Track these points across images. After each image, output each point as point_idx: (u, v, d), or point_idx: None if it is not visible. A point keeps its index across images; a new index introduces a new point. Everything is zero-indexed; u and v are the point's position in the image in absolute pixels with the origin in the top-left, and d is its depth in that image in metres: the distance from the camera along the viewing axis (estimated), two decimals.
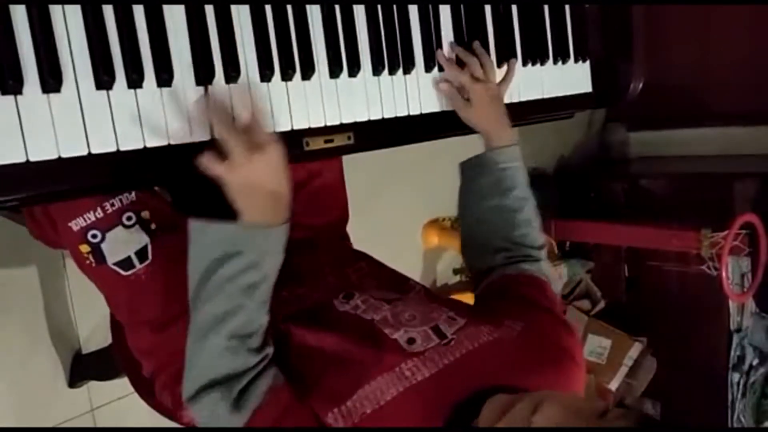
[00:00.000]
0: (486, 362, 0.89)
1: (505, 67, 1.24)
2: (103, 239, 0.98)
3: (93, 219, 0.96)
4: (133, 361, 1.14)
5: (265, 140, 0.86)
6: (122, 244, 0.99)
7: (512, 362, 0.89)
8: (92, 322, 1.74)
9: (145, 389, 1.19)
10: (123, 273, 1.00)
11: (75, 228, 0.97)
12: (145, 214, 1.00)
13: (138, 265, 1.00)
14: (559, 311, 1.06)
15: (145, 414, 1.25)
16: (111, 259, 0.99)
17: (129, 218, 0.98)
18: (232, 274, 0.84)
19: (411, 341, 0.91)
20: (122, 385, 1.55)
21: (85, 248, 0.98)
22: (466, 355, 0.89)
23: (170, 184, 1.17)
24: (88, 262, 0.99)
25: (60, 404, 1.71)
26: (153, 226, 1.01)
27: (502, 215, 1.12)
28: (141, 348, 1.07)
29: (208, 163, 0.84)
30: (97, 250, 0.98)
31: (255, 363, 0.85)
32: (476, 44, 1.19)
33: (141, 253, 1.00)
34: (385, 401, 0.83)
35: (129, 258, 0.99)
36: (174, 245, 1.00)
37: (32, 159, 0.76)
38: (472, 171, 1.15)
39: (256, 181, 0.85)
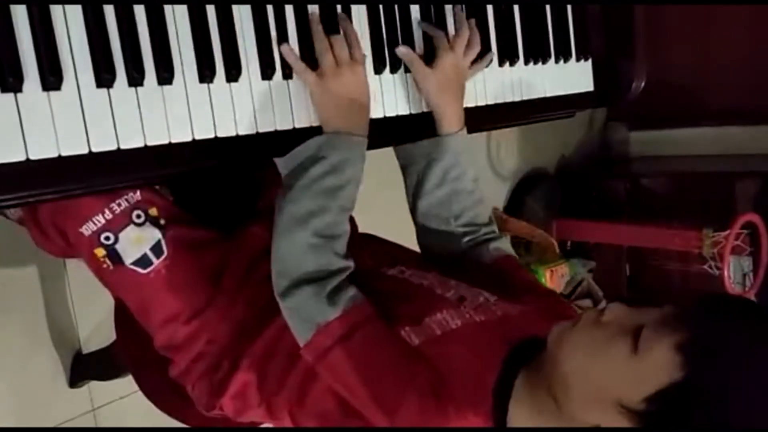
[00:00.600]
0: (534, 323, 0.93)
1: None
2: (116, 240, 0.98)
3: (103, 221, 0.96)
4: (140, 360, 1.14)
5: (356, 58, 0.97)
6: (136, 242, 0.99)
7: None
8: (93, 322, 1.74)
9: (152, 388, 1.19)
10: (142, 272, 1.00)
11: (87, 233, 0.97)
12: (153, 210, 1.00)
13: (155, 261, 1.00)
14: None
15: (145, 414, 1.25)
16: (128, 259, 0.99)
17: (138, 216, 0.98)
18: (316, 177, 0.90)
19: (462, 299, 0.97)
20: (123, 384, 1.55)
21: (100, 252, 0.98)
22: (513, 316, 0.95)
23: (172, 182, 1.17)
24: (105, 266, 0.99)
25: (60, 404, 1.71)
26: (162, 222, 1.01)
27: (460, 199, 1.12)
28: (175, 343, 1.06)
29: (300, 70, 0.95)
30: (112, 252, 0.98)
31: (340, 267, 0.91)
32: (471, 22, 1.17)
33: (156, 249, 1.00)
34: (450, 329, 0.89)
35: (145, 255, 0.99)
36: (186, 235, 1.02)
37: (32, 157, 0.75)
38: (426, 157, 1.12)
39: (342, 93, 0.95)
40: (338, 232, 0.92)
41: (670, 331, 0.71)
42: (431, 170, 1.11)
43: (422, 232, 1.16)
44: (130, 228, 0.98)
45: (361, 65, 0.98)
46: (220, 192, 1.24)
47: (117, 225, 0.97)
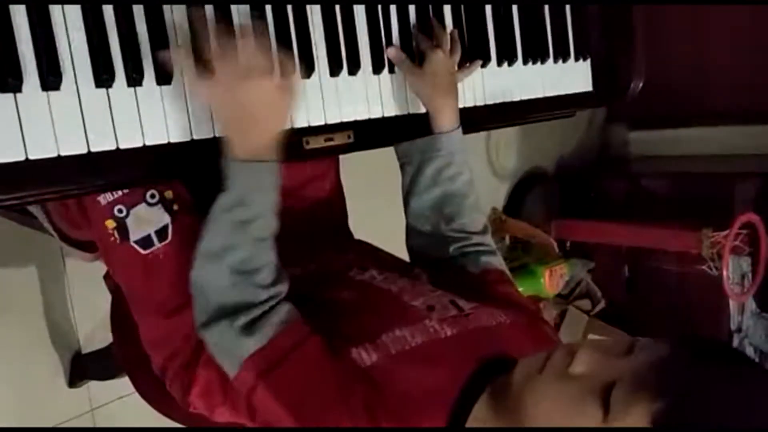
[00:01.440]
0: (508, 339, 0.89)
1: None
2: (127, 215, 0.98)
3: (120, 194, 0.97)
4: (135, 361, 1.14)
5: (260, 67, 0.84)
6: (144, 222, 0.99)
7: (529, 345, 0.88)
8: (92, 322, 1.74)
9: (147, 389, 1.19)
10: (141, 251, 1.00)
11: (103, 202, 0.97)
12: (169, 194, 1.00)
13: (157, 244, 1.00)
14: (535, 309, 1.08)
15: (145, 414, 1.25)
16: (133, 236, 0.99)
17: (152, 196, 0.99)
18: (223, 209, 0.85)
19: (431, 308, 0.92)
20: (122, 385, 1.54)
21: (111, 224, 0.98)
22: (487, 328, 0.90)
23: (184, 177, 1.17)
24: (112, 239, 0.99)
25: (60, 404, 1.71)
26: (175, 207, 1.01)
27: (453, 201, 1.11)
28: (154, 337, 1.06)
29: (190, 82, 0.84)
30: (122, 226, 0.99)
31: (265, 298, 0.85)
32: (453, 30, 1.16)
33: (161, 233, 1.00)
34: (409, 347, 0.84)
35: (149, 236, 1.00)
36: (193, 227, 0.98)
37: (32, 157, 0.76)
38: (419, 156, 1.11)
39: (245, 108, 0.84)
40: (256, 265, 0.85)
41: (645, 396, 0.64)
42: (425, 169, 1.10)
43: (412, 233, 1.15)
44: (142, 206, 0.98)
45: (270, 75, 0.85)
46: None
47: (131, 201, 0.98)
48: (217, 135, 0.90)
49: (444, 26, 1.16)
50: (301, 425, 0.78)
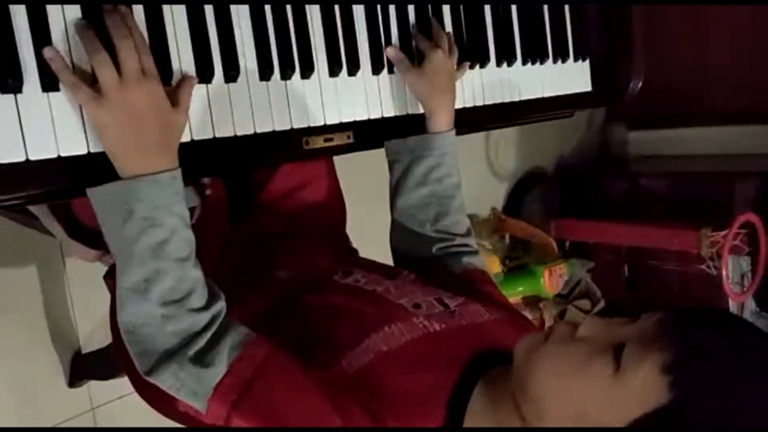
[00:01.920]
0: (495, 334, 0.89)
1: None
2: None
3: None
4: (130, 358, 1.13)
5: (148, 68, 0.76)
6: None
7: (516, 339, 0.88)
8: (92, 322, 1.74)
9: (146, 389, 1.19)
10: None
11: None
12: (206, 179, 0.97)
13: None
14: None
15: (145, 414, 1.25)
16: None
17: None
18: (131, 239, 0.74)
19: (417, 306, 0.92)
20: (122, 384, 1.54)
21: None
22: (473, 325, 0.90)
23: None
24: None
25: (60, 404, 1.71)
26: (208, 192, 0.98)
27: (440, 202, 1.10)
28: None
29: (70, 83, 0.74)
30: None
31: (207, 323, 0.78)
32: (449, 33, 1.16)
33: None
34: (399, 344, 0.83)
35: None
36: (217, 216, 0.96)
37: (32, 158, 0.76)
38: (410, 154, 1.09)
39: (132, 116, 0.74)
40: (186, 289, 0.77)
41: (655, 349, 0.67)
42: (415, 168, 1.09)
43: (396, 231, 1.15)
44: None
45: (155, 77, 0.76)
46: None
47: None
48: (217, 136, 0.90)
49: (443, 27, 1.16)
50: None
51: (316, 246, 1.15)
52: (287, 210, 1.21)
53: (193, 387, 0.76)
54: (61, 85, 0.76)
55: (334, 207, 1.31)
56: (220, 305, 0.80)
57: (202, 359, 0.76)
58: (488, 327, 0.91)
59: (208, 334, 0.77)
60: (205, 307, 0.78)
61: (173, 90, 0.81)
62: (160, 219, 0.75)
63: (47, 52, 0.74)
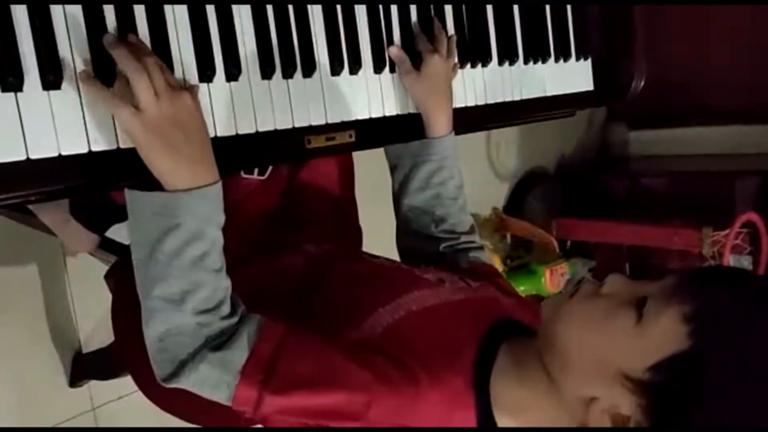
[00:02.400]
0: (513, 313, 0.93)
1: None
2: None
3: None
4: (137, 358, 1.13)
5: (173, 83, 0.77)
6: None
7: (536, 318, 0.90)
8: (93, 322, 1.74)
9: (148, 385, 1.19)
10: None
11: None
12: None
13: None
14: None
15: (145, 413, 1.25)
16: None
17: None
18: (176, 250, 0.76)
19: (442, 281, 0.96)
20: (123, 384, 1.55)
21: None
22: (494, 299, 0.95)
23: None
24: None
25: (61, 403, 1.71)
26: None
27: (443, 204, 1.13)
28: None
29: (113, 105, 0.75)
30: None
31: (233, 325, 0.80)
32: (451, 35, 1.16)
33: None
34: (427, 305, 0.87)
35: None
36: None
37: (32, 157, 0.75)
38: (412, 159, 1.12)
39: (179, 127, 0.75)
40: (219, 297, 0.80)
41: (676, 302, 0.70)
42: (417, 172, 1.11)
43: (402, 233, 1.17)
44: None
45: (183, 89, 0.78)
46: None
47: None
48: (219, 135, 0.90)
49: (445, 28, 1.16)
50: (327, 395, 0.77)
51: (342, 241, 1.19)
52: (308, 195, 1.24)
53: (218, 378, 0.78)
54: (86, 94, 0.77)
55: (347, 210, 1.31)
56: (242, 308, 0.83)
57: (223, 350, 0.78)
58: (506, 305, 0.95)
59: (231, 332, 0.80)
60: (232, 314, 0.81)
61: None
62: (204, 232, 0.77)
63: (83, 79, 0.76)
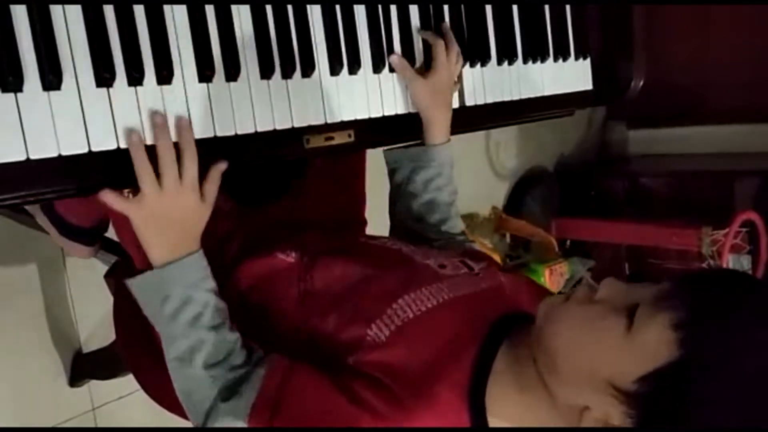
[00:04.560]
0: (513, 295, 0.93)
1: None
2: None
3: None
4: (138, 357, 1.14)
5: (185, 177, 0.84)
6: None
7: (535, 299, 0.89)
8: (93, 322, 1.74)
9: (150, 384, 1.19)
10: None
11: None
12: None
13: None
14: None
15: (145, 413, 1.25)
16: None
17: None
18: (171, 316, 0.85)
19: (442, 266, 0.95)
20: (123, 384, 1.55)
21: None
22: (496, 287, 0.94)
23: None
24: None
25: (61, 403, 1.71)
26: None
27: (439, 209, 1.14)
28: None
29: (111, 199, 0.82)
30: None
31: (246, 372, 0.85)
32: (457, 49, 1.16)
33: None
34: (426, 308, 0.86)
35: None
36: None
37: (33, 157, 0.76)
38: (410, 164, 1.13)
39: (166, 221, 0.84)
40: (225, 352, 0.86)
41: (666, 309, 0.68)
42: (415, 177, 1.13)
43: (396, 230, 1.18)
44: None
45: (194, 187, 0.85)
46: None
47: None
48: (218, 135, 0.90)
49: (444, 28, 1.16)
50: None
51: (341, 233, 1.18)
52: (314, 205, 1.24)
53: (233, 416, 0.82)
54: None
55: (355, 208, 1.31)
56: (258, 354, 0.88)
57: (233, 398, 0.83)
58: (507, 287, 0.94)
59: (244, 378, 0.85)
60: (245, 363, 0.86)
61: (201, 183, 0.87)
62: (193, 296, 0.85)
63: (133, 143, 0.82)
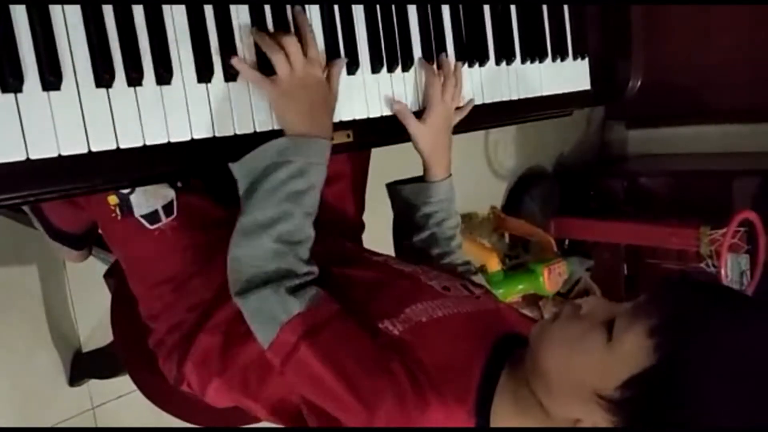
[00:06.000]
0: (510, 320, 0.96)
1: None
2: (132, 191, 0.99)
3: None
4: (136, 357, 1.14)
5: (312, 56, 0.93)
6: (150, 197, 1.00)
7: (528, 325, 0.93)
8: (92, 321, 1.74)
9: (148, 384, 1.20)
10: (149, 226, 1.01)
11: None
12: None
13: (164, 220, 1.02)
14: None
15: (145, 413, 1.25)
16: (138, 211, 1.00)
17: None
18: (280, 181, 0.88)
19: (446, 288, 0.98)
20: (123, 383, 1.55)
21: (113, 200, 1.00)
22: (496, 310, 0.97)
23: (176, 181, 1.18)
24: (114, 215, 1.00)
25: (60, 403, 1.72)
26: (179, 183, 1.03)
27: (440, 243, 1.16)
28: (158, 309, 1.07)
29: (256, 80, 0.91)
30: (124, 202, 1.00)
31: (303, 272, 0.89)
32: (458, 65, 1.17)
33: (167, 208, 1.02)
34: (437, 316, 0.89)
35: (156, 212, 1.01)
36: (197, 205, 1.04)
37: (32, 157, 0.76)
38: (412, 198, 1.16)
39: (302, 97, 0.91)
40: (302, 237, 0.91)
41: (642, 318, 0.72)
42: (415, 213, 1.15)
43: (402, 255, 1.20)
44: None
45: (318, 63, 0.95)
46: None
47: None
48: (217, 135, 0.90)
49: (442, 27, 1.16)
50: (345, 386, 0.82)
51: (340, 238, 1.19)
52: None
53: (273, 313, 0.86)
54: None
55: (354, 211, 1.31)
56: (315, 269, 0.92)
57: (294, 292, 0.87)
58: (504, 312, 0.98)
59: (302, 280, 0.89)
60: (307, 262, 0.91)
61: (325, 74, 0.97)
62: (307, 172, 0.90)
63: (235, 62, 0.90)
